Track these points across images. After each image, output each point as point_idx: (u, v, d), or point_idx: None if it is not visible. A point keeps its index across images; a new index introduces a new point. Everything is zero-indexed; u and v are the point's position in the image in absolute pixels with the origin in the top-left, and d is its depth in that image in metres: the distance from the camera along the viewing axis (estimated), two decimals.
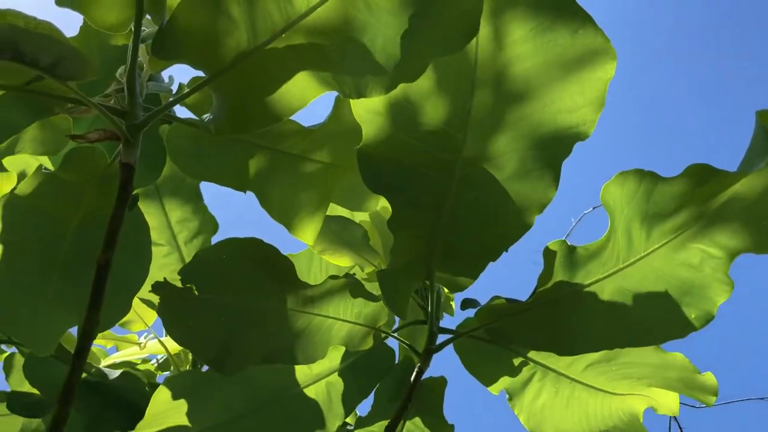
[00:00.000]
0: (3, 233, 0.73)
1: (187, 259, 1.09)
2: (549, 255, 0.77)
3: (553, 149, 0.71)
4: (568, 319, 0.79)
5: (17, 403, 1.04)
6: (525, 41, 0.66)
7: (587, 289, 0.77)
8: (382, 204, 0.99)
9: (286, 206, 0.82)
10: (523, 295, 0.87)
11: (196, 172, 0.78)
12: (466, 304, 0.86)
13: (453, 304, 1.12)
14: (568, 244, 0.78)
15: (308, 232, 0.85)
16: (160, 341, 1.16)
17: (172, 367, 1.18)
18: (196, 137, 0.74)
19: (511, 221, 0.75)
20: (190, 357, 1.19)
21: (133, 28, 0.63)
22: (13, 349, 1.08)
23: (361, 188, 0.88)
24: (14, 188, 0.71)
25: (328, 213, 0.88)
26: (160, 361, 1.20)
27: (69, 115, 0.65)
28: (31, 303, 0.77)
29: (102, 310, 0.76)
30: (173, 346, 1.16)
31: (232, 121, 0.63)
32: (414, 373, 0.84)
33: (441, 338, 0.87)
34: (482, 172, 0.73)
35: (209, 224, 1.07)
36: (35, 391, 1.04)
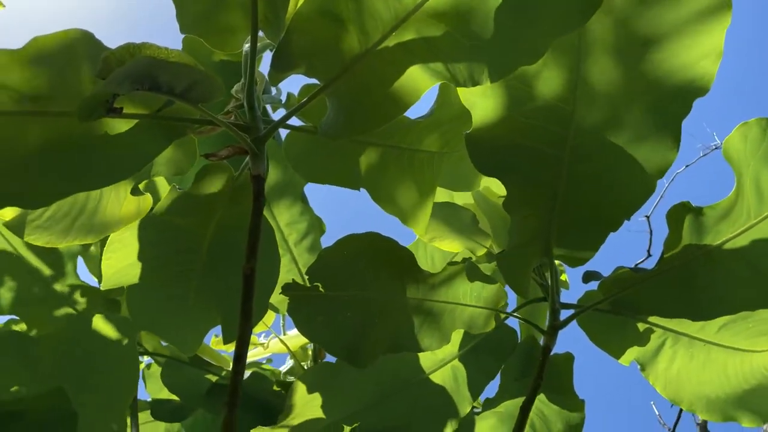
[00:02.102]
0: (141, 252, 0.78)
1: (299, 260, 1.13)
2: (674, 218, 0.75)
3: (671, 108, 0.69)
4: (701, 283, 0.77)
5: (160, 409, 1.11)
6: (632, 1, 0.65)
7: (719, 249, 0.75)
8: (484, 184, 0.99)
9: (398, 198, 0.84)
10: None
11: (314, 175, 0.80)
12: (589, 276, 0.85)
13: (566, 277, 1.11)
14: (693, 205, 0.76)
15: (420, 221, 0.86)
16: (281, 340, 1.20)
17: (293, 364, 1.22)
18: (312, 142, 0.76)
19: (632, 188, 0.74)
20: (310, 353, 1.23)
21: (247, 47, 0.66)
22: (149, 359, 1.14)
23: (464, 169, 0.89)
24: (151, 209, 0.76)
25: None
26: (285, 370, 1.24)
27: (195, 135, 0.68)
28: (174, 311, 0.82)
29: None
30: (294, 344, 1.20)
31: (350, 124, 0.65)
32: (542, 351, 0.84)
33: (564, 314, 0.87)
34: (597, 142, 0.72)
35: (316, 225, 1.10)
36: (174, 397, 1.11)
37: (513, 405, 0.98)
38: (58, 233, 0.73)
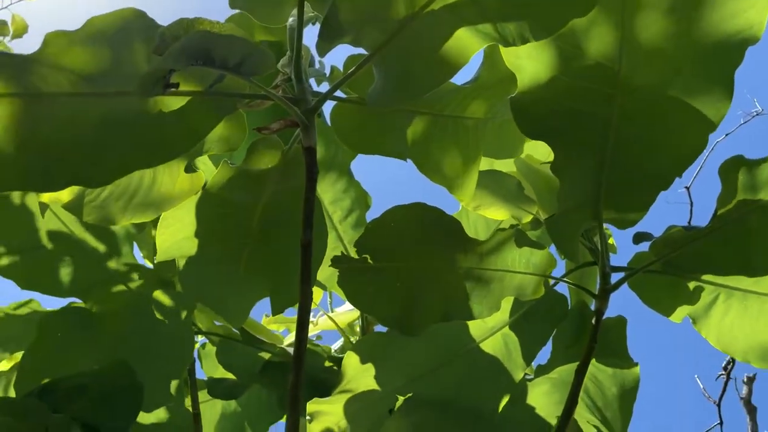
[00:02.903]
0: (197, 227, 0.80)
1: (344, 237, 1.14)
2: (727, 173, 0.74)
3: (720, 60, 0.68)
4: (756, 239, 0.76)
5: (216, 388, 1.14)
6: None
7: None
8: (526, 152, 0.99)
9: (444, 167, 0.84)
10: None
11: (360, 147, 0.81)
12: (640, 237, 0.84)
13: (613, 241, 1.10)
14: (746, 158, 0.75)
15: (466, 189, 0.86)
16: (329, 317, 1.22)
17: (344, 341, 1.24)
18: (359, 113, 0.76)
19: (683, 144, 0.73)
20: (358, 329, 1.24)
21: (292, 21, 0.67)
22: (204, 339, 1.17)
23: (507, 135, 0.88)
24: (205, 185, 0.77)
25: None
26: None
27: (245, 109, 0.70)
28: (224, 283, 0.84)
29: (290, 287, 0.82)
30: (342, 321, 1.22)
31: (398, 91, 0.65)
32: (594, 315, 0.84)
33: (614, 277, 0.86)
34: (645, 99, 0.71)
35: (362, 200, 1.10)
36: (229, 375, 1.14)
37: (566, 371, 0.98)
38: (115, 212, 0.76)
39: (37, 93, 0.58)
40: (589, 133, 0.74)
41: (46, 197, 0.77)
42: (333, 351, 1.23)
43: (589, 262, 0.92)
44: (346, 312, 1.24)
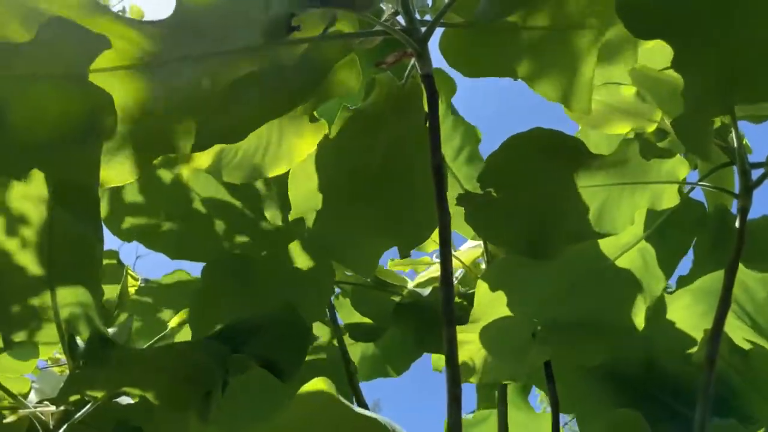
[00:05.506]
0: (323, 178, 0.83)
1: (459, 174, 1.14)
2: None
3: None
4: None
5: (357, 332, 1.20)
6: None
7: None
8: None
9: (557, 82, 0.81)
10: None
11: (472, 70, 0.80)
12: None
13: (746, 141, 1.03)
14: None
15: (584, 103, 0.83)
16: (453, 256, 1.23)
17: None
18: (467, 36, 0.75)
19: None
20: (483, 268, 1.25)
21: None
22: (338, 289, 1.23)
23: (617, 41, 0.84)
24: (327, 134, 0.80)
25: None
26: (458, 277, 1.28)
27: (358, 48, 0.71)
28: (349, 234, 0.87)
29: (415, 226, 0.84)
30: (467, 258, 1.23)
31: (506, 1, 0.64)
32: (739, 213, 0.80)
33: (755, 174, 0.82)
34: None
35: (471, 135, 1.09)
36: (365, 320, 1.19)
37: (708, 280, 0.94)
38: (251, 169, 0.80)
39: (177, 57, 0.62)
40: (711, 20, 0.70)
41: (190, 165, 0.83)
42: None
43: (725, 162, 0.88)
44: (469, 249, 1.26)
